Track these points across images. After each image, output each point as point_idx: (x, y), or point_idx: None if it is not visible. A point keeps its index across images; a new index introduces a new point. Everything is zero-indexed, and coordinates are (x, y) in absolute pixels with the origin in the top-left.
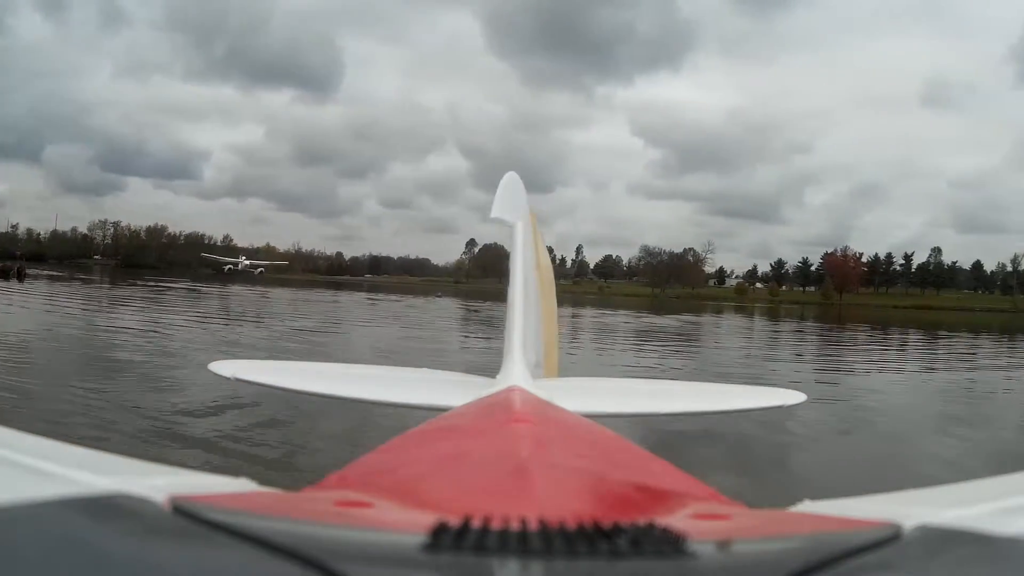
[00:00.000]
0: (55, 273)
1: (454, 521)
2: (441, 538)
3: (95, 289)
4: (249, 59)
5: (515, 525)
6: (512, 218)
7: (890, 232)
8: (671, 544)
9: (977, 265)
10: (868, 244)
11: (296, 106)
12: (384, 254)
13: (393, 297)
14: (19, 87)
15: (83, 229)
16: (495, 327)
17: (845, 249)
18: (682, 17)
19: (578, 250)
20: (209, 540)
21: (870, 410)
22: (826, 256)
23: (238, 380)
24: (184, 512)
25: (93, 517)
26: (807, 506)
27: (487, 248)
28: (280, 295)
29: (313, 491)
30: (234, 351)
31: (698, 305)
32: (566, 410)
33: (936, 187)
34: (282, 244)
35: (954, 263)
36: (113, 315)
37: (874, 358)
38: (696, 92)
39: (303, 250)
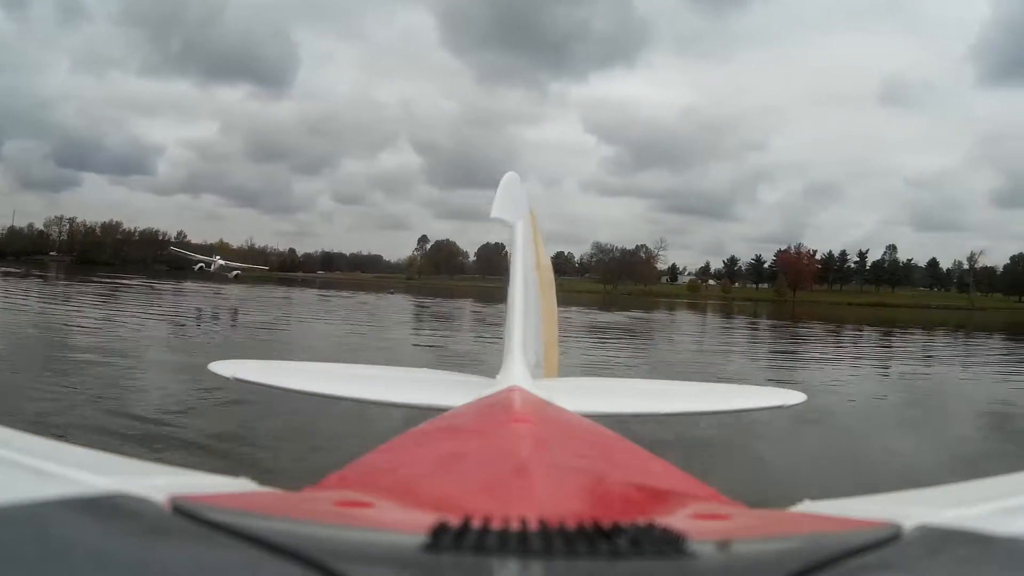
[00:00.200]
0: (11, 270)
1: (454, 521)
2: (441, 538)
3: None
4: (205, 54)
5: (515, 525)
6: (512, 218)
7: (845, 230)
8: (671, 544)
9: (933, 263)
10: (823, 242)
11: (251, 102)
12: (337, 250)
13: (345, 294)
14: None
15: (39, 225)
16: (446, 322)
17: (799, 246)
18: (638, 15)
19: None
20: (209, 540)
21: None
22: (779, 253)
23: (238, 380)
24: (184, 512)
25: (93, 517)
26: (807, 506)
27: (439, 245)
28: (232, 291)
29: (313, 491)
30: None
31: (650, 302)
32: (566, 410)
33: (893, 185)
34: (236, 240)
35: (909, 260)
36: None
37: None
38: (650, 89)
39: (256, 246)
